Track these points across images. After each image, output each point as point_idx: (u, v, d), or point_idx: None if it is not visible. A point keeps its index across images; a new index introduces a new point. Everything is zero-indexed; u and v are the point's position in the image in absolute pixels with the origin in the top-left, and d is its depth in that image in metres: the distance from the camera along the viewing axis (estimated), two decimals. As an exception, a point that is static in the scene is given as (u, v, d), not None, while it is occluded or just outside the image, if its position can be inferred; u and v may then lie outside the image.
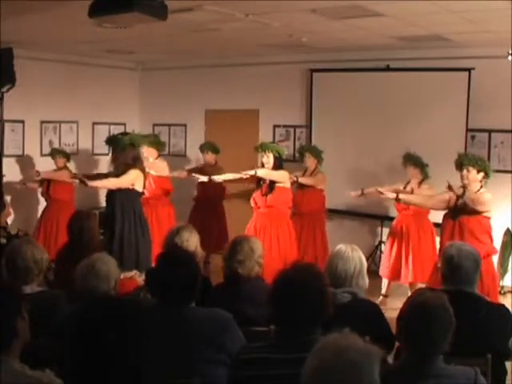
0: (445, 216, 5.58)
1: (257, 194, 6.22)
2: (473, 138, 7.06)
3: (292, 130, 8.49)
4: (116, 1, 4.27)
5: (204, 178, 6.85)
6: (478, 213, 5.20)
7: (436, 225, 6.39)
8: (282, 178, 6.16)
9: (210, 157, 7.88)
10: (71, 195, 7.65)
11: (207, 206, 7.73)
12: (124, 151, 5.57)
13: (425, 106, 7.22)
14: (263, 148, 6.20)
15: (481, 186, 5.45)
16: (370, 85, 7.70)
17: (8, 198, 7.43)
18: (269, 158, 6.15)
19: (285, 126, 8.49)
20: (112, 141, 5.77)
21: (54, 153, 7.87)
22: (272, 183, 6.10)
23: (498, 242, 6.74)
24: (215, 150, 7.90)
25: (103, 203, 6.28)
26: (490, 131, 6.92)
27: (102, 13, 4.48)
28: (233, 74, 8.80)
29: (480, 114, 6.85)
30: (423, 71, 7.28)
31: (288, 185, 6.26)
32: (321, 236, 7.02)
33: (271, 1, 5.00)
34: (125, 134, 5.93)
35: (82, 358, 2.73)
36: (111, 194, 5.60)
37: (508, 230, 6.80)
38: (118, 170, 5.57)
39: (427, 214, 6.33)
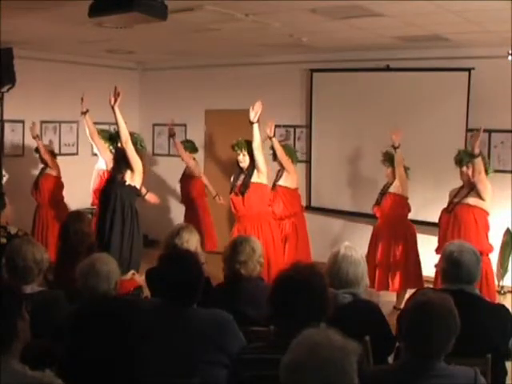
0: (442, 212, 5.64)
1: (233, 197, 5.79)
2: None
3: (292, 129, 8.49)
4: (116, 1, 4.27)
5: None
6: (477, 196, 5.37)
7: (427, 223, 6.41)
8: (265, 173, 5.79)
9: (189, 156, 7.71)
10: (60, 192, 7.46)
11: (189, 204, 7.66)
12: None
13: (425, 105, 7.22)
14: (239, 146, 5.74)
15: None
16: (370, 85, 7.69)
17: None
18: (245, 157, 5.73)
19: (285, 126, 8.47)
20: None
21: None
22: (248, 179, 5.68)
23: (497, 242, 6.76)
24: (194, 149, 7.80)
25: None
26: (490, 131, 6.90)
27: (102, 13, 4.48)
28: (233, 74, 8.78)
29: (480, 114, 6.83)
30: (423, 71, 7.28)
31: (265, 181, 5.81)
32: (299, 238, 6.63)
33: (271, 1, 5.00)
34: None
35: (82, 357, 2.75)
36: (109, 190, 5.40)
37: (508, 229, 6.80)
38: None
39: (406, 216, 6.23)
